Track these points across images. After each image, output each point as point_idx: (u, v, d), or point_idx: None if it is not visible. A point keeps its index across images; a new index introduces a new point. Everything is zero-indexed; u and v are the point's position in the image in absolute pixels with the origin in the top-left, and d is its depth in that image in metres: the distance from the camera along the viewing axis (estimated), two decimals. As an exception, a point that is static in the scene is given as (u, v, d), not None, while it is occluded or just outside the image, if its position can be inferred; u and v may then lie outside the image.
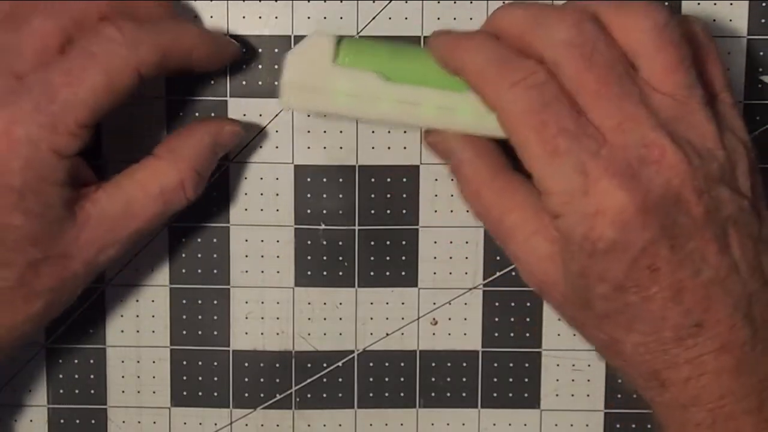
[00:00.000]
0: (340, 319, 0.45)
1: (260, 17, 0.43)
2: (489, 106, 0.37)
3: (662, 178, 0.35)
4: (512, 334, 0.45)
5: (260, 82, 0.43)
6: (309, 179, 0.44)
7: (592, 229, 0.35)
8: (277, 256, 0.45)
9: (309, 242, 0.45)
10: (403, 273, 0.45)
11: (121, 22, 0.37)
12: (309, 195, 0.44)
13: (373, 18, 0.43)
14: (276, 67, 0.43)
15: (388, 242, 0.45)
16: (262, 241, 0.45)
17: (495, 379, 0.45)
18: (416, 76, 0.39)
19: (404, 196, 0.44)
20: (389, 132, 0.44)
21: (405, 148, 0.44)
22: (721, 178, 0.36)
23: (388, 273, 0.45)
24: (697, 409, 0.37)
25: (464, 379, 0.45)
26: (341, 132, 0.44)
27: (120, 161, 0.41)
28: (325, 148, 0.44)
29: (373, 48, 0.40)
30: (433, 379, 0.45)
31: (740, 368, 0.36)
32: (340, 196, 0.44)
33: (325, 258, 0.45)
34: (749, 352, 0.36)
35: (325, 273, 0.45)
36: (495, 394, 0.45)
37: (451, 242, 0.45)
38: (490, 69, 0.37)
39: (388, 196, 0.44)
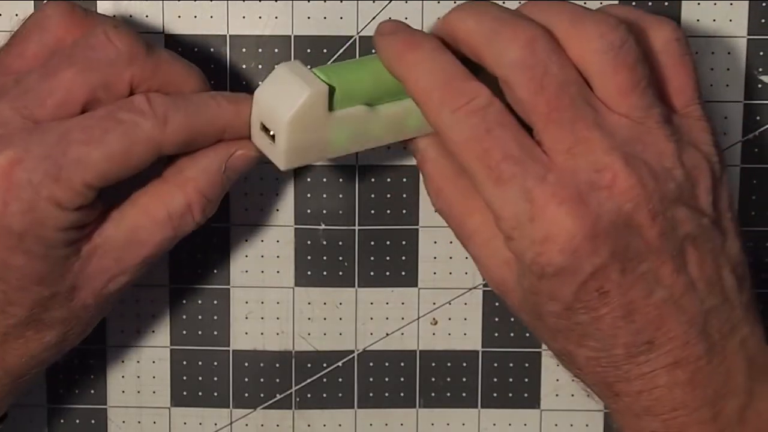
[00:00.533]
0: (340, 319, 0.45)
1: (260, 17, 0.43)
2: (432, 127, 0.36)
3: (613, 203, 0.34)
4: (512, 334, 0.45)
5: (260, 83, 0.43)
6: (309, 179, 0.44)
7: (540, 255, 0.35)
8: (277, 256, 0.45)
9: (309, 242, 0.45)
10: (403, 273, 0.45)
11: (154, 96, 0.36)
12: (309, 195, 0.44)
13: (373, 18, 0.43)
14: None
15: (388, 242, 0.45)
16: (262, 241, 0.45)
17: (495, 379, 0.45)
18: (395, 90, 0.38)
19: (404, 196, 0.44)
20: (389, 132, 0.44)
21: (405, 148, 0.44)
22: (678, 198, 0.35)
23: (388, 273, 0.45)
24: (650, 418, 0.36)
25: (464, 379, 0.45)
26: (341, 132, 0.44)
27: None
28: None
29: (355, 78, 0.38)
30: (433, 379, 0.45)
31: (694, 382, 0.36)
32: (340, 196, 0.44)
33: (325, 258, 0.45)
34: (704, 366, 0.36)
35: (325, 273, 0.45)
36: (495, 394, 0.45)
37: (451, 242, 0.45)
38: (433, 90, 0.36)
39: (388, 196, 0.44)
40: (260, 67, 0.43)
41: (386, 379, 0.45)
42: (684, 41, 0.38)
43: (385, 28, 0.38)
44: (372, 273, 0.45)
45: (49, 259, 0.36)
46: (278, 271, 0.45)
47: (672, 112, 0.37)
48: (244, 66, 0.43)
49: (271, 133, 0.37)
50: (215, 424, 0.46)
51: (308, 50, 0.43)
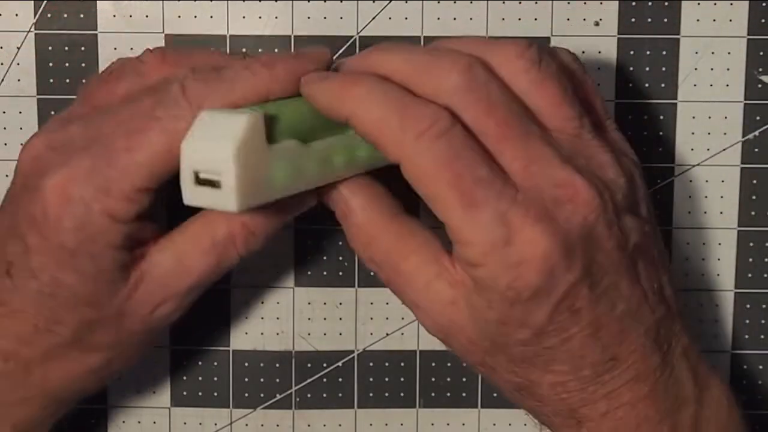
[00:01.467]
0: (340, 319, 0.45)
1: (260, 17, 0.43)
2: (391, 159, 0.35)
3: (579, 216, 0.34)
4: (512, 334, 0.45)
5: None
6: (309, 179, 0.44)
7: (517, 279, 0.34)
8: (277, 256, 0.45)
9: (309, 242, 0.45)
10: (403, 273, 0.45)
11: (189, 82, 0.36)
12: (309, 195, 0.44)
13: (373, 18, 0.43)
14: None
15: (388, 242, 0.45)
16: (262, 241, 0.45)
17: (495, 379, 0.45)
18: (324, 127, 0.36)
19: (404, 196, 0.44)
20: (389, 132, 0.44)
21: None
22: (626, 207, 0.36)
23: (388, 273, 0.45)
24: None
25: (464, 379, 0.45)
26: (341, 132, 0.44)
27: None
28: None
29: (286, 111, 0.36)
30: (433, 379, 0.45)
31: (654, 394, 0.36)
32: (340, 196, 0.44)
33: (325, 258, 0.45)
34: (660, 378, 0.36)
35: (325, 273, 0.45)
36: (495, 394, 0.45)
37: (450, 242, 0.44)
38: (390, 118, 0.34)
39: (388, 196, 0.44)
40: (260, 67, 0.43)
41: (386, 379, 0.45)
42: (579, 62, 0.38)
43: (310, 78, 0.36)
44: (372, 273, 0.45)
45: (99, 280, 0.36)
46: (278, 271, 0.45)
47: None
48: (244, 66, 0.43)
49: (214, 178, 0.33)
50: (215, 424, 0.46)
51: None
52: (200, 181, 0.34)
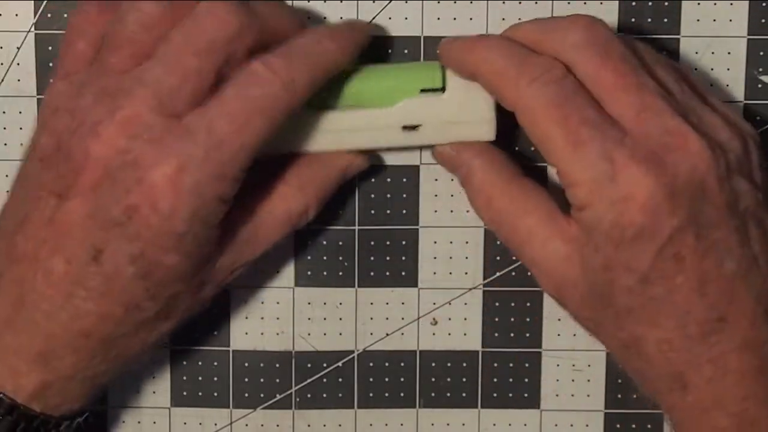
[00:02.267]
0: (340, 319, 0.45)
1: (260, 17, 0.43)
2: (508, 105, 0.38)
3: (688, 164, 0.35)
4: (512, 334, 0.45)
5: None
6: (309, 179, 0.44)
7: (621, 215, 0.35)
8: (277, 256, 0.45)
9: (309, 242, 0.45)
10: (403, 273, 0.45)
11: (273, 62, 0.37)
12: (309, 195, 0.44)
13: (373, 18, 0.43)
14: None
15: (388, 242, 0.45)
16: (262, 241, 0.45)
17: (495, 379, 0.45)
18: (344, 98, 0.40)
19: (404, 196, 0.44)
20: (389, 132, 0.44)
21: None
22: (738, 169, 0.36)
23: (388, 273, 0.45)
24: (719, 413, 0.36)
25: (464, 379, 0.45)
26: (341, 132, 0.44)
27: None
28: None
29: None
30: (433, 379, 0.45)
31: (762, 368, 0.36)
32: (340, 196, 0.44)
33: (325, 258, 0.45)
34: None
35: (325, 273, 0.45)
36: (495, 394, 0.45)
37: (451, 242, 0.45)
38: (509, 68, 0.37)
39: (388, 196, 0.44)
40: (260, 67, 0.43)
41: (386, 379, 0.45)
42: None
43: (446, 40, 0.40)
44: (372, 273, 0.45)
45: (197, 257, 0.37)
46: (278, 271, 0.45)
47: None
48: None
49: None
50: (215, 424, 0.46)
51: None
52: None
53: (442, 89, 0.40)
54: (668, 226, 0.35)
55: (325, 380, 0.45)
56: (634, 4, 0.43)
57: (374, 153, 0.43)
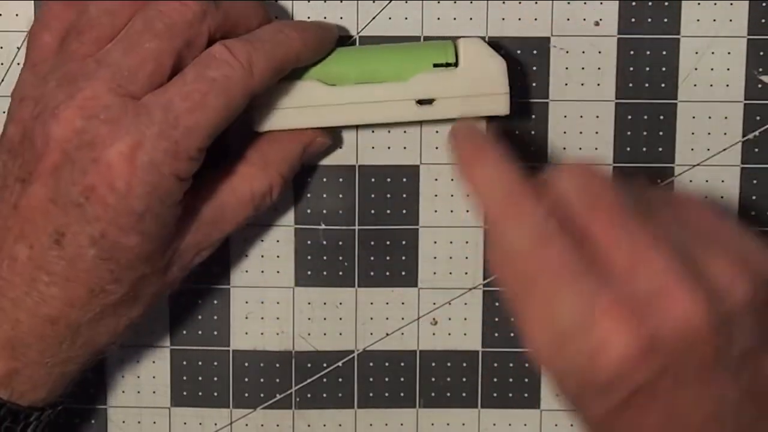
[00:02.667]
0: (340, 319, 0.45)
1: (260, 17, 0.43)
2: (492, 238, 0.37)
3: (672, 319, 0.34)
4: (512, 334, 0.45)
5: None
6: (309, 179, 0.44)
7: (590, 365, 0.34)
8: (277, 256, 0.45)
9: (309, 242, 0.45)
10: (403, 273, 0.45)
11: (233, 44, 0.38)
12: (309, 195, 0.44)
13: (373, 18, 0.43)
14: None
15: (388, 242, 0.45)
16: (262, 241, 0.45)
17: (495, 379, 0.45)
18: (358, 74, 0.41)
19: (404, 196, 0.44)
20: (389, 132, 0.44)
21: (405, 148, 0.44)
22: (740, 313, 0.35)
23: (388, 273, 0.45)
24: None
25: (464, 379, 0.45)
26: (341, 132, 0.44)
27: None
28: (325, 151, 0.44)
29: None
30: (433, 379, 0.45)
31: None
32: (340, 196, 0.44)
33: (325, 258, 0.45)
34: None
35: (325, 273, 0.45)
36: (495, 394, 0.45)
37: (451, 242, 0.45)
38: (495, 205, 0.36)
39: (388, 196, 0.44)
40: (260, 67, 0.43)
41: (386, 379, 0.45)
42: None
43: (459, 129, 0.40)
44: (372, 273, 0.45)
45: (160, 238, 0.38)
46: (278, 271, 0.45)
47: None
48: (244, 66, 0.43)
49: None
50: (215, 424, 0.46)
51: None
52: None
53: (455, 64, 0.41)
54: (640, 377, 0.34)
55: (325, 380, 0.45)
56: (634, 4, 0.43)
57: (387, 126, 0.44)
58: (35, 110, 0.37)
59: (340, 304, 0.45)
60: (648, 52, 0.43)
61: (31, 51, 0.39)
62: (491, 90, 0.41)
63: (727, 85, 0.44)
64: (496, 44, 0.43)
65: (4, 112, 0.43)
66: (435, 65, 0.41)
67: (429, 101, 0.41)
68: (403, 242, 0.45)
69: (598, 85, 0.44)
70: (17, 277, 0.37)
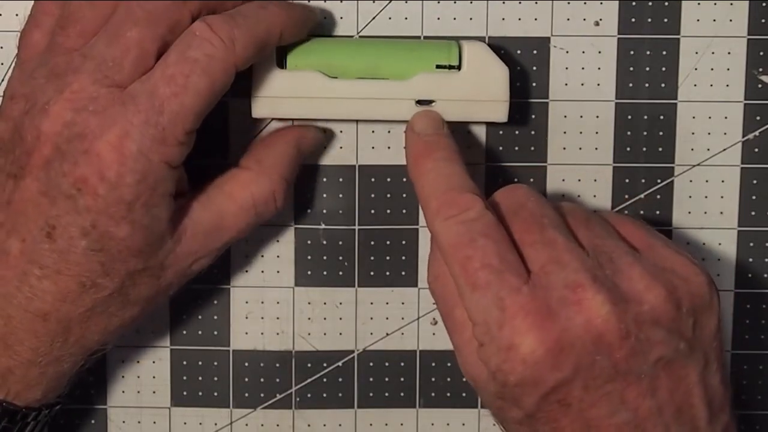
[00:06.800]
0: (340, 319, 0.45)
1: (260, 17, 0.43)
2: (430, 231, 0.38)
3: (582, 319, 0.35)
4: (512, 334, 0.45)
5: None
6: (309, 179, 0.44)
7: (504, 363, 0.36)
8: (277, 256, 0.45)
9: (309, 242, 0.45)
10: (403, 273, 0.45)
11: (213, 21, 0.37)
12: (309, 195, 0.44)
13: (373, 18, 0.43)
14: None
15: (388, 242, 0.45)
16: (262, 241, 0.45)
17: (495, 379, 0.45)
18: (360, 68, 0.41)
19: (404, 196, 0.44)
20: (389, 132, 0.44)
21: (405, 147, 0.44)
22: (654, 320, 0.36)
23: (388, 273, 0.45)
24: None
25: (464, 379, 0.45)
26: (341, 132, 0.44)
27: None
28: (325, 147, 0.44)
29: (315, 48, 0.41)
30: (433, 379, 0.45)
31: None
32: (340, 196, 0.44)
33: (325, 258, 0.45)
34: None
35: (325, 273, 0.45)
36: (495, 394, 0.45)
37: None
38: (432, 200, 0.38)
39: (388, 196, 0.44)
40: (260, 67, 0.43)
41: (386, 379, 0.45)
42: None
43: (416, 124, 0.41)
44: (372, 273, 0.45)
45: (151, 230, 0.37)
46: (278, 271, 0.45)
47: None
48: (244, 66, 0.43)
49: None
50: (215, 424, 0.46)
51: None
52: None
53: (458, 67, 0.41)
54: (552, 378, 0.35)
55: (325, 380, 0.45)
56: (634, 4, 0.43)
57: (387, 123, 0.44)
58: (25, 106, 0.37)
59: (340, 304, 0.45)
60: (648, 52, 0.43)
61: (22, 49, 0.39)
62: (492, 96, 0.41)
63: (727, 85, 0.44)
64: (496, 44, 0.43)
65: (4, 112, 0.43)
66: (438, 66, 0.41)
67: (428, 102, 0.41)
68: (403, 242, 0.45)
69: (598, 85, 0.44)
70: (9, 272, 0.37)
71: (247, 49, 0.38)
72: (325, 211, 0.44)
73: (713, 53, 0.43)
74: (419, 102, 0.41)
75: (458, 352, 0.39)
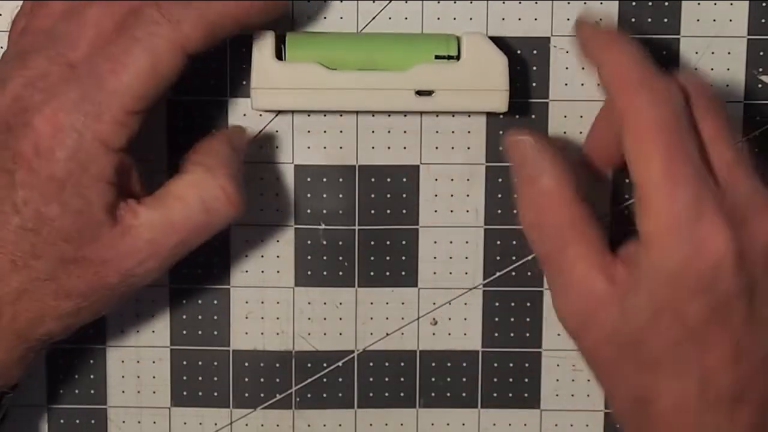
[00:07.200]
0: (340, 319, 0.45)
1: (260, 17, 0.43)
2: (617, 107, 0.37)
3: (764, 235, 0.35)
4: (512, 334, 0.45)
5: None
6: (309, 179, 0.44)
7: (688, 262, 0.35)
8: (277, 256, 0.45)
9: (309, 242, 0.45)
10: (403, 273, 0.45)
11: (163, 3, 0.37)
12: (309, 195, 0.44)
13: (373, 18, 0.43)
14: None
15: (388, 242, 0.45)
16: (262, 241, 0.45)
17: (495, 379, 0.45)
18: (359, 60, 0.41)
19: (404, 196, 0.44)
20: (389, 132, 0.44)
21: (405, 148, 0.44)
22: None
23: (388, 273, 0.45)
24: None
25: (464, 379, 0.45)
26: (341, 132, 0.44)
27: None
28: (325, 148, 0.44)
29: (314, 40, 0.42)
30: (433, 379, 0.45)
31: None
32: (340, 196, 0.44)
33: (325, 258, 0.45)
34: None
35: (325, 273, 0.45)
36: (495, 394, 0.45)
37: (451, 242, 0.45)
38: (633, 73, 0.37)
39: (388, 196, 0.44)
40: (260, 67, 0.43)
41: (386, 379, 0.45)
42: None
43: (583, 20, 0.40)
44: (372, 273, 0.45)
45: (83, 215, 0.37)
46: (278, 271, 0.45)
47: None
48: (244, 66, 0.43)
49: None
50: (215, 424, 0.46)
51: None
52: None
53: (457, 58, 0.41)
54: (726, 287, 0.35)
55: (325, 380, 0.45)
56: (634, 4, 0.43)
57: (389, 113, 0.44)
58: None
59: (340, 304, 0.45)
60: (648, 52, 0.43)
61: (9, 37, 0.40)
62: (491, 86, 0.41)
63: (727, 85, 0.44)
64: (496, 44, 0.43)
65: (4, 112, 0.43)
66: (437, 57, 0.41)
67: (428, 92, 0.41)
68: (403, 242, 0.45)
69: (598, 85, 0.44)
70: None
71: (196, 30, 0.37)
72: (325, 211, 0.44)
73: (713, 53, 0.43)
74: (419, 93, 0.41)
75: (565, 291, 0.38)
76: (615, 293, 0.36)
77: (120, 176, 0.37)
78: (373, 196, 0.44)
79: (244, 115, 0.44)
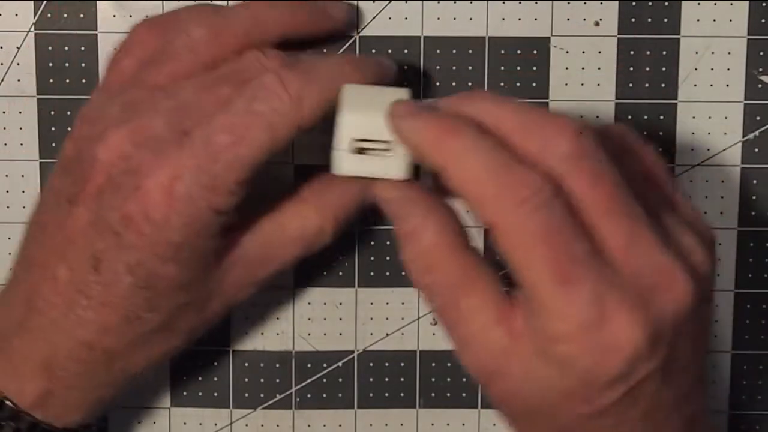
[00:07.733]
0: (340, 319, 0.45)
1: (260, 17, 0.43)
2: (485, 222, 0.33)
3: (672, 306, 0.33)
4: (512, 334, 0.45)
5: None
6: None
7: (599, 364, 0.32)
8: (277, 256, 0.45)
9: (309, 242, 0.45)
10: (403, 273, 0.45)
11: (286, 75, 0.36)
12: (309, 195, 0.44)
13: (373, 18, 0.43)
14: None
15: (388, 242, 0.45)
16: (262, 241, 0.45)
17: (495, 379, 0.45)
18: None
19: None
20: (389, 132, 0.44)
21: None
22: (707, 294, 0.35)
23: (388, 273, 0.45)
24: None
25: (464, 379, 0.45)
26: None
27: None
28: (325, 147, 0.44)
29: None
30: (433, 379, 0.45)
31: None
32: (340, 196, 0.44)
33: (325, 258, 0.45)
34: None
35: (325, 273, 0.45)
36: (495, 394, 0.45)
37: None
38: (488, 181, 0.32)
39: (388, 196, 0.44)
40: (260, 67, 0.43)
41: (386, 379, 0.45)
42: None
43: (400, 111, 0.35)
44: (372, 273, 0.45)
45: (198, 267, 0.37)
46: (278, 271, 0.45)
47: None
48: (244, 66, 0.43)
49: (381, 147, 0.36)
50: (215, 424, 0.46)
51: (308, 50, 0.43)
52: (360, 150, 0.36)
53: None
54: (643, 370, 0.33)
55: (325, 380, 0.45)
56: (634, 4, 0.43)
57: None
58: (92, 131, 0.37)
59: (340, 304, 0.45)
60: (648, 52, 0.43)
61: (108, 73, 0.39)
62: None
63: (727, 85, 0.44)
64: (496, 44, 0.43)
65: (4, 113, 0.43)
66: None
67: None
68: (403, 242, 0.45)
69: (598, 85, 0.44)
70: (58, 298, 0.37)
71: (315, 111, 0.36)
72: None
73: (713, 53, 0.43)
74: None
75: (465, 345, 0.35)
76: (516, 350, 0.34)
77: (227, 225, 0.37)
78: (373, 196, 0.44)
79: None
